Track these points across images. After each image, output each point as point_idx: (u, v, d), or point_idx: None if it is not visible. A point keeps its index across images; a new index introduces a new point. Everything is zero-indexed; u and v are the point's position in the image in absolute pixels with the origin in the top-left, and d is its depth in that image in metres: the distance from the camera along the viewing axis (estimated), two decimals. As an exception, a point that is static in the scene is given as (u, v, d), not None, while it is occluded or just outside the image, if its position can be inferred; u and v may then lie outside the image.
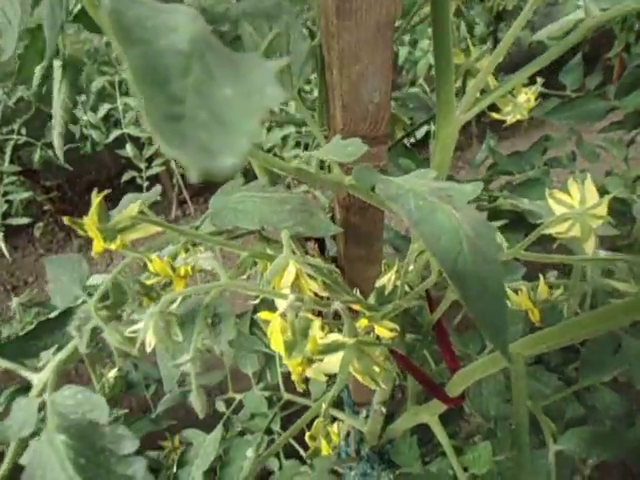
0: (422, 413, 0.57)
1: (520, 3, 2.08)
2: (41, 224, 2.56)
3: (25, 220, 2.14)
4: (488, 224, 0.27)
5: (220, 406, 0.94)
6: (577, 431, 0.61)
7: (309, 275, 0.34)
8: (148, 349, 0.33)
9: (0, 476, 0.37)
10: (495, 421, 0.70)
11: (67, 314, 0.47)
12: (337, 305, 0.32)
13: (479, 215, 0.27)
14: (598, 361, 0.66)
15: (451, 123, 0.40)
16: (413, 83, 2.36)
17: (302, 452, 0.83)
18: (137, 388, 1.03)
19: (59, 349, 0.43)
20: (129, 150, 1.98)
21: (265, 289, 0.33)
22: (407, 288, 0.48)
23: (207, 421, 0.50)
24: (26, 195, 2.08)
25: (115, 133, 1.99)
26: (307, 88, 2.04)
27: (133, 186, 2.10)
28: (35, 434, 0.35)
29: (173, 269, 0.39)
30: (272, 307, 0.34)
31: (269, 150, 2.09)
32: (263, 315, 0.31)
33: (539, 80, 0.42)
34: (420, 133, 2.17)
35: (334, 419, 0.67)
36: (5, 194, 2.00)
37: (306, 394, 0.82)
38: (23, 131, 1.91)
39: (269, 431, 0.85)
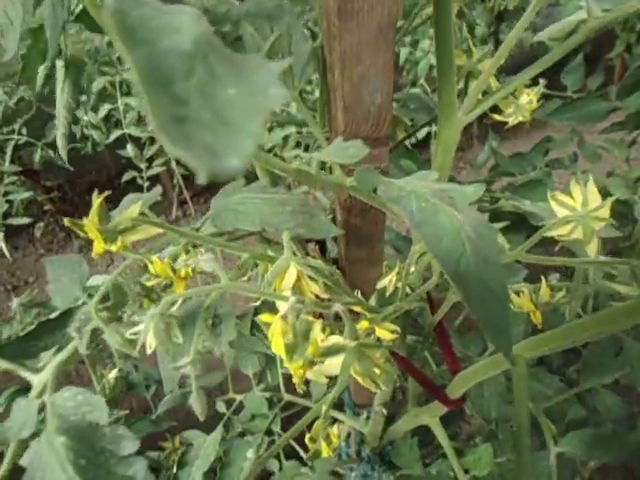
0: (423, 415, 0.57)
1: (521, 3, 2.07)
2: (42, 224, 2.56)
3: (26, 220, 2.14)
4: (490, 226, 0.27)
5: (220, 407, 0.94)
6: (578, 434, 0.61)
7: (310, 277, 0.34)
8: (148, 351, 0.33)
9: (0, 477, 0.37)
10: (496, 423, 0.70)
11: (67, 315, 0.47)
12: (338, 307, 0.32)
13: (481, 217, 0.27)
14: (600, 363, 0.66)
15: (453, 124, 0.40)
16: (414, 83, 2.36)
17: (302, 453, 0.83)
18: (138, 389, 1.03)
19: (59, 350, 0.43)
20: (130, 150, 1.98)
21: (266, 291, 0.33)
22: (408, 290, 0.48)
23: (207, 422, 0.50)
24: (27, 195, 2.08)
25: (116, 133, 1.99)
26: (308, 88, 2.04)
27: (134, 186, 2.10)
28: (35, 435, 0.34)
29: (174, 270, 0.38)
30: (273, 308, 0.34)
31: (270, 150, 2.09)
32: (264, 318, 0.31)
33: (541, 81, 0.42)
34: (421, 133, 2.17)
35: (334, 421, 0.67)
36: (6, 194, 2.00)
37: (307, 395, 0.82)
38: (24, 131, 1.91)
39: (269, 432, 0.85)
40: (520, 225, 0.73)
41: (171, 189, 2.53)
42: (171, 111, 0.14)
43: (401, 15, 0.35)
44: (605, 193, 0.93)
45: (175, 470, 0.80)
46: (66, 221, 0.33)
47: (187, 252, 0.42)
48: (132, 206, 0.35)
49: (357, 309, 0.42)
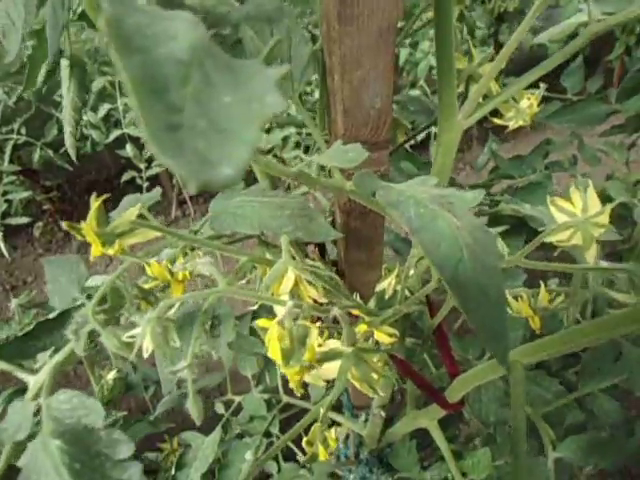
0: (421, 418, 0.57)
1: (521, 5, 2.07)
2: (40, 224, 2.55)
3: (24, 220, 2.13)
4: (489, 232, 0.27)
5: (219, 408, 0.94)
6: (576, 439, 0.61)
7: (308, 281, 0.34)
8: (145, 355, 0.33)
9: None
10: (494, 426, 0.70)
11: (66, 315, 0.47)
12: (336, 311, 0.32)
13: (480, 223, 0.27)
14: (599, 368, 0.66)
15: (453, 127, 0.39)
16: (414, 85, 2.36)
17: (301, 455, 0.83)
18: (136, 390, 1.03)
19: (56, 351, 0.43)
20: (129, 150, 1.98)
21: (263, 295, 0.33)
22: (407, 293, 0.48)
23: (206, 423, 0.49)
24: (26, 195, 2.08)
25: (115, 133, 1.99)
26: (308, 89, 2.04)
27: (133, 186, 2.10)
28: (31, 437, 0.34)
29: (171, 273, 0.38)
30: (272, 311, 0.34)
31: (269, 151, 2.08)
32: (260, 323, 0.31)
33: (542, 85, 0.42)
34: (420, 135, 2.17)
35: (333, 423, 0.67)
36: (5, 194, 1.99)
37: (306, 397, 0.82)
38: (23, 131, 1.91)
39: (268, 434, 0.85)
40: (520, 228, 0.73)
41: (170, 189, 2.53)
42: (164, 119, 0.13)
43: (401, 18, 0.35)
44: (604, 196, 0.93)
45: (173, 472, 0.80)
46: (64, 224, 0.33)
47: (185, 255, 0.41)
48: (130, 209, 0.35)
49: (356, 312, 0.42)
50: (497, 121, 0.44)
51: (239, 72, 0.17)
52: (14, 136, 1.90)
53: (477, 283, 0.24)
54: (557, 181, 0.95)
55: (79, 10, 0.66)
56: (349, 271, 0.55)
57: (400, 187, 0.29)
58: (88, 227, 0.32)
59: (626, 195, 0.95)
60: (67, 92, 0.64)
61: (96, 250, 0.33)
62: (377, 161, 0.43)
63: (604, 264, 0.34)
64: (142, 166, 2.07)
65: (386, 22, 0.34)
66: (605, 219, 0.32)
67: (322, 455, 0.43)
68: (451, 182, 0.83)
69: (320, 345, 0.33)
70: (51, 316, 0.47)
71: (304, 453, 0.46)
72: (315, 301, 0.35)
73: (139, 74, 0.14)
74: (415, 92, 2.29)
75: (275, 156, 2.12)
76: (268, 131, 2.03)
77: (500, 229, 0.73)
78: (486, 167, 1.09)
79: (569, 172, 1.02)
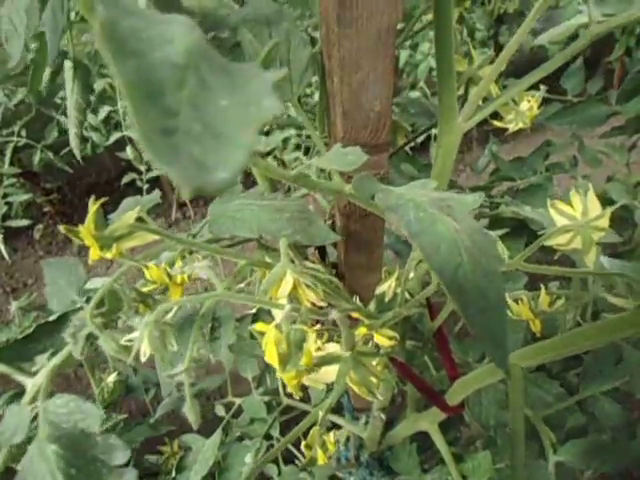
0: (422, 421, 0.57)
1: (521, 7, 2.07)
2: (41, 226, 2.55)
3: (25, 222, 2.14)
4: (489, 235, 0.27)
5: (219, 410, 0.94)
6: (577, 442, 0.61)
7: (307, 284, 0.34)
8: (143, 359, 0.33)
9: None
10: (495, 429, 0.70)
11: (66, 318, 0.47)
12: (335, 315, 0.32)
13: (480, 226, 0.27)
14: (600, 371, 0.65)
15: (453, 130, 0.39)
16: (413, 86, 2.36)
17: (301, 458, 0.82)
18: (136, 392, 1.03)
19: (55, 354, 0.43)
20: (129, 152, 1.98)
21: (261, 299, 0.33)
22: (407, 295, 0.47)
23: (206, 425, 0.49)
24: (26, 197, 2.08)
25: (115, 135, 2.00)
26: (307, 91, 2.04)
27: (133, 188, 2.10)
28: (29, 441, 0.34)
29: (170, 277, 0.38)
30: (271, 314, 0.33)
31: (269, 153, 2.08)
32: (258, 327, 0.30)
33: (542, 88, 0.42)
34: (421, 137, 2.17)
35: (332, 426, 0.66)
36: (5, 196, 1.99)
37: (306, 399, 0.82)
38: (23, 133, 1.91)
39: (268, 436, 0.84)
40: (520, 231, 0.73)
41: (170, 191, 2.53)
42: (160, 123, 0.13)
43: (400, 20, 0.35)
44: (605, 198, 0.93)
45: (174, 474, 0.80)
46: (62, 228, 0.32)
47: (184, 258, 0.41)
48: (129, 212, 0.35)
49: (356, 315, 0.42)
50: (497, 123, 0.44)
51: (236, 75, 0.17)
52: (14, 138, 1.90)
53: (477, 287, 0.24)
54: (557, 183, 0.95)
55: (81, 12, 0.66)
56: (349, 274, 0.55)
57: (399, 190, 0.29)
58: (86, 230, 0.32)
59: (627, 197, 0.95)
60: (71, 94, 0.64)
61: (94, 253, 0.33)
62: (377, 164, 0.43)
63: (605, 261, 0.34)
64: (142, 168, 2.07)
65: (385, 24, 0.34)
66: (605, 223, 0.32)
67: (321, 459, 0.43)
68: (451, 184, 0.82)
69: (319, 348, 0.33)
70: (51, 319, 0.47)
71: (304, 456, 0.45)
72: (314, 304, 0.35)
73: (134, 78, 0.13)
74: (415, 94, 2.29)
75: (275, 158, 2.12)
76: (268, 133, 2.03)
77: (500, 232, 0.73)
78: (486, 169, 1.09)
79: (570, 174, 1.02)
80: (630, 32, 1.90)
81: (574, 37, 0.40)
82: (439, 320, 0.52)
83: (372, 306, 0.47)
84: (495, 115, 0.43)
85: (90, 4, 0.28)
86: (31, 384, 0.39)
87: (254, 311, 0.43)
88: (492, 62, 0.42)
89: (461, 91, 0.46)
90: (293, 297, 0.33)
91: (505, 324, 0.24)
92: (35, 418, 0.36)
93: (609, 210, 0.32)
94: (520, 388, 0.37)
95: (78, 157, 0.70)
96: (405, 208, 0.26)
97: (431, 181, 0.30)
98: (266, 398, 0.87)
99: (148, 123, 0.13)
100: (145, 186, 2.08)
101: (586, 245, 0.32)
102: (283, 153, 2.10)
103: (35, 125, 1.88)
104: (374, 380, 0.33)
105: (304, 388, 0.34)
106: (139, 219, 0.35)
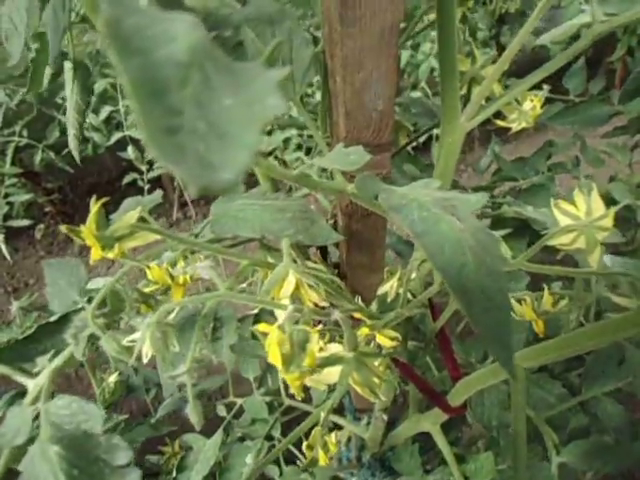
0: (424, 421, 0.56)
1: (522, 6, 2.07)
2: (42, 226, 2.55)
3: (26, 222, 2.13)
4: (492, 235, 0.26)
5: (221, 410, 0.94)
6: (580, 443, 0.61)
7: (309, 285, 0.34)
8: (145, 360, 0.33)
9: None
10: (497, 430, 0.69)
11: (67, 318, 0.47)
12: (337, 315, 0.32)
13: (483, 225, 0.26)
14: (602, 372, 0.65)
15: (456, 130, 0.39)
16: (415, 86, 2.36)
17: (303, 459, 0.82)
18: (137, 392, 1.02)
19: (56, 354, 0.43)
20: (131, 152, 1.98)
21: (263, 300, 0.32)
22: (410, 296, 0.47)
23: (207, 426, 0.49)
24: (27, 197, 2.08)
25: (117, 135, 1.99)
26: (309, 91, 2.04)
27: (134, 188, 2.10)
28: (31, 441, 0.34)
29: (171, 277, 0.38)
30: (273, 315, 0.33)
31: (270, 153, 2.08)
32: (261, 327, 0.30)
33: (545, 87, 0.42)
34: (423, 137, 2.17)
35: (334, 427, 0.66)
36: (6, 196, 1.99)
37: (308, 400, 0.82)
38: (25, 133, 1.91)
39: (269, 437, 0.84)
40: (523, 231, 0.72)
41: (172, 191, 2.53)
42: (164, 122, 0.13)
43: (402, 19, 0.35)
44: (608, 198, 0.93)
45: (175, 474, 0.80)
46: (64, 228, 0.32)
47: (185, 258, 0.41)
48: (130, 212, 0.35)
49: (358, 315, 0.41)
50: (500, 123, 0.44)
51: (240, 74, 0.17)
52: (16, 138, 1.90)
53: (481, 287, 0.24)
54: (560, 183, 0.95)
55: (81, 12, 0.66)
56: (351, 274, 0.54)
57: (402, 190, 0.28)
58: (88, 230, 0.32)
59: (630, 197, 0.95)
60: (71, 94, 0.64)
61: (96, 254, 0.33)
62: (379, 164, 0.43)
63: (607, 260, 0.34)
64: (144, 168, 2.07)
65: (389, 23, 0.34)
66: (609, 222, 0.31)
67: (322, 459, 0.43)
68: (453, 184, 0.82)
69: (321, 349, 0.32)
70: (52, 319, 0.47)
71: (306, 457, 0.45)
72: (316, 305, 0.35)
73: (138, 76, 0.13)
74: (416, 94, 2.29)
75: (276, 158, 2.12)
76: (269, 133, 2.03)
77: (503, 232, 0.73)
78: (488, 169, 1.09)
79: (572, 174, 1.02)
80: (632, 32, 1.90)
81: (576, 37, 0.39)
82: (441, 321, 0.52)
83: (374, 306, 0.47)
84: (498, 115, 0.43)
85: (94, 2, 0.28)
86: (33, 385, 0.39)
87: (256, 311, 0.43)
88: (495, 62, 0.42)
89: (463, 91, 0.45)
90: (295, 297, 0.33)
91: (509, 324, 0.24)
92: (37, 419, 0.36)
93: (613, 210, 0.32)
94: (522, 389, 0.37)
95: (77, 159, 0.70)
96: (409, 208, 0.26)
97: (434, 181, 0.30)
98: (267, 398, 0.87)
99: (153, 121, 0.13)
100: (146, 186, 2.08)
101: (590, 245, 0.31)
102: (284, 153, 2.10)
103: (36, 125, 1.88)
104: (376, 381, 0.33)
105: (306, 389, 0.33)
106: (141, 219, 0.35)
